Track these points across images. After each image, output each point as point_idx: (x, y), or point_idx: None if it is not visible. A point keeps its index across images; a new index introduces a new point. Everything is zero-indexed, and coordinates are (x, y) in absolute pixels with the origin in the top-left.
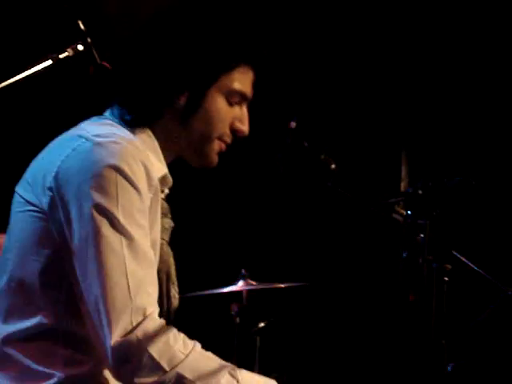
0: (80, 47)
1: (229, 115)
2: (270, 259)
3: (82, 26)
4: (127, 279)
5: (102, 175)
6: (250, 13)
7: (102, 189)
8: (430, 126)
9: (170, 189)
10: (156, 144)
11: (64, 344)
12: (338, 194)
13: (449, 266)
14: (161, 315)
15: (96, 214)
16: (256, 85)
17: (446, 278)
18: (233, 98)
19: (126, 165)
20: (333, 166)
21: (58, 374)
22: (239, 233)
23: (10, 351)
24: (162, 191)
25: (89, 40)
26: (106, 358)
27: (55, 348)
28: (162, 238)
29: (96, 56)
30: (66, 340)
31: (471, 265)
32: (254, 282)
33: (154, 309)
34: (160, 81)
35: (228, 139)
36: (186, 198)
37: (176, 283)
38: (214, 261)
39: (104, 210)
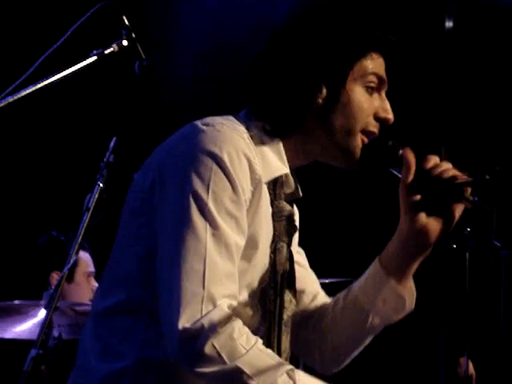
0: (125, 43)
1: (370, 105)
2: (315, 253)
3: (126, 22)
4: (204, 266)
5: (199, 160)
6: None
7: (196, 173)
8: (470, 121)
9: (295, 193)
10: (280, 144)
11: (145, 325)
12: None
13: None
14: (270, 319)
15: (186, 197)
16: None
17: None
18: (370, 82)
19: (225, 153)
20: (400, 152)
21: (132, 356)
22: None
23: (97, 325)
24: (284, 193)
25: (133, 35)
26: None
27: (136, 328)
28: (282, 240)
29: (141, 51)
30: (149, 321)
31: None
32: None
33: (225, 300)
34: (298, 82)
35: (374, 128)
36: None
37: (295, 289)
38: None
39: (195, 194)
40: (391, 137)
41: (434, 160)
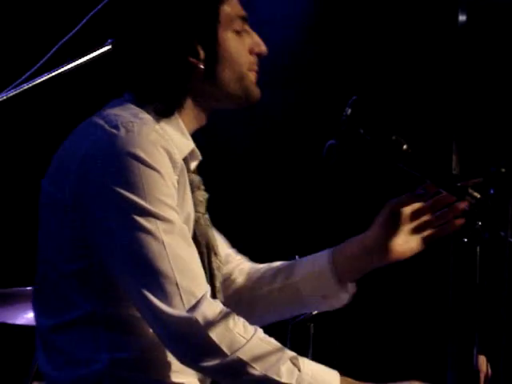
0: None
1: (244, 46)
2: (324, 245)
3: None
4: (170, 263)
5: (123, 167)
6: None
7: (126, 181)
8: (482, 116)
9: (200, 162)
10: (179, 120)
11: (106, 329)
12: (410, 175)
13: None
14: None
15: (125, 207)
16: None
17: None
18: (236, 25)
19: (145, 152)
20: (404, 146)
21: (104, 359)
22: (293, 219)
23: (55, 340)
24: (192, 166)
25: None
26: (157, 343)
27: (98, 334)
28: (198, 211)
29: None
30: (109, 325)
31: None
32: None
33: (205, 290)
34: (172, 56)
35: (256, 66)
36: (242, 183)
37: (220, 254)
38: (268, 246)
39: (132, 201)
40: (394, 132)
41: None
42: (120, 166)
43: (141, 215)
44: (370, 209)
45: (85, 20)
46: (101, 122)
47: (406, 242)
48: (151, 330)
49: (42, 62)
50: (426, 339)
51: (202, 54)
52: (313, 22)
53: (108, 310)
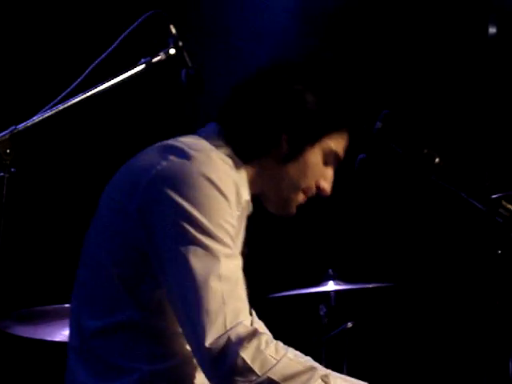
0: (172, 51)
1: (320, 172)
2: (357, 259)
3: (173, 31)
4: (221, 284)
5: (195, 185)
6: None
7: (194, 198)
8: None
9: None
10: (243, 171)
11: (147, 339)
12: (443, 188)
13: None
14: None
15: (188, 222)
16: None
17: None
18: (329, 157)
19: (218, 177)
20: (437, 159)
21: (141, 369)
22: (327, 232)
23: (96, 346)
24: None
25: (180, 44)
26: (192, 358)
27: (138, 343)
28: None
29: (187, 60)
30: (150, 335)
31: None
32: (341, 282)
33: (246, 316)
34: (274, 127)
35: (310, 194)
36: None
37: None
38: (302, 260)
39: (195, 218)
40: (426, 145)
41: None
42: (192, 183)
43: (201, 233)
44: (401, 222)
45: (118, 41)
46: (180, 145)
47: None
48: (187, 346)
49: (77, 81)
50: (465, 349)
51: (289, 143)
52: (343, 34)
53: (150, 320)
